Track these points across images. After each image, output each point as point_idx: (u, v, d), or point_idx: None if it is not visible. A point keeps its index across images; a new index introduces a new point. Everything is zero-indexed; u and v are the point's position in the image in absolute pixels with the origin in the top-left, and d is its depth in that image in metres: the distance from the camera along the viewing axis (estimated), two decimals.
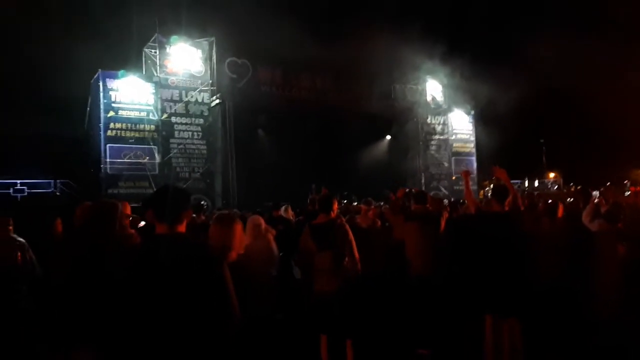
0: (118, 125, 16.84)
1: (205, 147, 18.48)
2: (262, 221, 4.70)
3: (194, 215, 7.84)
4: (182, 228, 2.24)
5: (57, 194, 15.01)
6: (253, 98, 19.19)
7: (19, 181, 13.98)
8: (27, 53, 18.17)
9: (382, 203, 10.51)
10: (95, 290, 2.52)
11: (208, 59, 18.65)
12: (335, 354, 4.23)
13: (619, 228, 4.31)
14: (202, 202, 11.16)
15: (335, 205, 4.71)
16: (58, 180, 15.24)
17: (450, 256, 4.64)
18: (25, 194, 13.73)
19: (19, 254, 4.47)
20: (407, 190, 5.51)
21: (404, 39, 19.75)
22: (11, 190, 13.75)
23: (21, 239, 4.59)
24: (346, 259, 4.18)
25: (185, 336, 2.05)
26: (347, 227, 4.41)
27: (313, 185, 14.19)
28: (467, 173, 5.47)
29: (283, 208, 7.24)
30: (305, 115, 21.00)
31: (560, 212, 5.09)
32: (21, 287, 4.37)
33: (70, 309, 2.56)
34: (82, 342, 2.46)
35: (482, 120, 25.73)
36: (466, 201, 5.50)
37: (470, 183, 5.72)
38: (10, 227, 4.63)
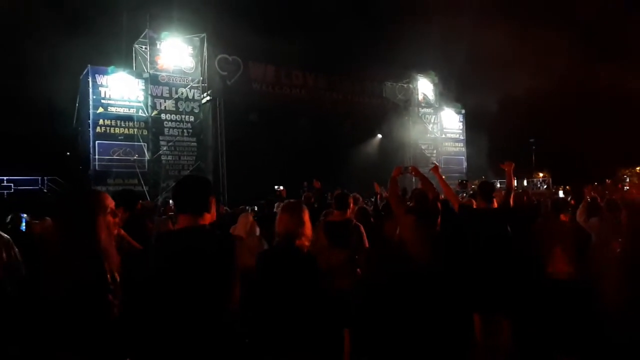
0: (107, 122, 16.62)
1: (195, 144, 18.32)
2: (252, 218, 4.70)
3: None
4: (203, 220, 2.20)
5: (45, 190, 14.77)
6: (244, 95, 19.06)
7: (4, 178, 13.73)
8: (15, 50, 17.89)
9: (372, 199, 10.37)
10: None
11: (199, 55, 18.48)
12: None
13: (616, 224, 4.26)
14: None
15: (352, 204, 4.61)
16: (46, 178, 15.01)
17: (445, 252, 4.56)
18: (12, 191, 13.49)
19: (4, 251, 4.30)
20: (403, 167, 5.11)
21: (395, 38, 19.73)
22: None
23: (6, 235, 4.43)
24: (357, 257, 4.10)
25: (198, 330, 2.05)
26: (362, 228, 4.33)
27: (305, 183, 14.12)
28: (436, 168, 5.18)
29: (276, 205, 7.18)
30: (296, 113, 20.92)
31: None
32: (6, 287, 4.19)
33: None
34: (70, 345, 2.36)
35: (471, 119, 25.83)
36: (446, 197, 5.14)
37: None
38: None
